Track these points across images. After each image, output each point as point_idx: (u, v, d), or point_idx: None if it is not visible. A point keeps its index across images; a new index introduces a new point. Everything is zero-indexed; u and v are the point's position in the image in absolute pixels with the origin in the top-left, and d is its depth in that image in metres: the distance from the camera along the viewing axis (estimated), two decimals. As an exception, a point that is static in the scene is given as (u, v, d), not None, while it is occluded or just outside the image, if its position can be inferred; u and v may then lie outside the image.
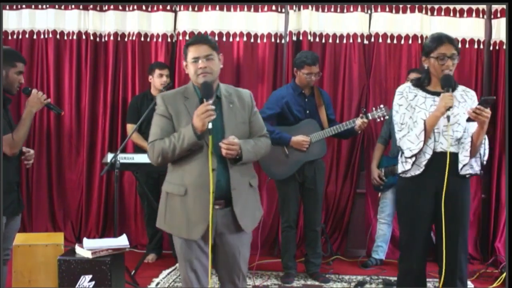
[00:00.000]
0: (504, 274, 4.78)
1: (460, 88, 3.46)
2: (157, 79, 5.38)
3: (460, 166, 3.33)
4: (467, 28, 5.71)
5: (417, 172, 3.36)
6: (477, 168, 3.37)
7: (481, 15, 5.71)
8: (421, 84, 3.43)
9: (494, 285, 4.85)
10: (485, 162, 3.38)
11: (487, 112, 3.14)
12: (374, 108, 4.89)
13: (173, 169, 3.07)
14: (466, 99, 3.41)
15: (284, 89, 5.08)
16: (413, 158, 3.33)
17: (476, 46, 5.71)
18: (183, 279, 3.09)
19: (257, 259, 5.22)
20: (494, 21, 5.71)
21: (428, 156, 3.32)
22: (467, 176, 3.39)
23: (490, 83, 5.77)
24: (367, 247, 5.69)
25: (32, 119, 3.53)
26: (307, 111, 4.96)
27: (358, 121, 4.80)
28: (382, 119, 4.93)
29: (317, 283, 4.90)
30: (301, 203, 5.10)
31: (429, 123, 3.28)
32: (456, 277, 3.36)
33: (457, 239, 3.36)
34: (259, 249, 5.33)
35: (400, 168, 3.44)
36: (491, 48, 5.73)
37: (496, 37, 5.68)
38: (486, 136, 3.31)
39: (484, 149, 3.33)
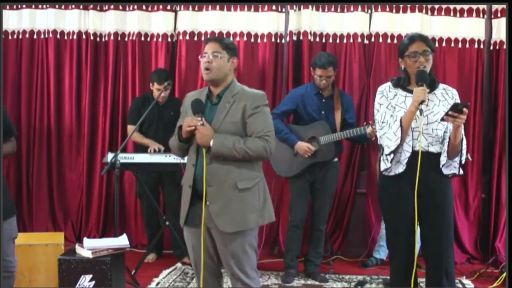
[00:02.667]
0: (504, 274, 4.77)
1: (441, 86, 3.47)
2: (156, 92, 5.30)
3: (440, 165, 3.35)
4: (467, 28, 5.71)
5: (400, 170, 3.37)
6: (456, 168, 3.38)
7: (481, 15, 5.71)
8: (402, 84, 3.45)
9: (494, 285, 4.86)
10: (463, 162, 3.39)
11: (462, 117, 3.15)
12: None
13: None
14: (446, 97, 3.42)
15: (303, 87, 5.10)
16: (391, 156, 3.35)
17: (476, 46, 5.71)
18: None
19: (256, 259, 5.24)
20: (494, 21, 5.71)
21: (408, 154, 3.34)
22: (449, 176, 3.41)
23: (490, 83, 5.77)
24: (368, 247, 5.69)
25: None
26: (323, 112, 4.95)
27: (369, 129, 4.77)
28: None
29: (316, 282, 4.91)
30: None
31: (405, 119, 3.29)
32: (441, 275, 3.37)
33: (440, 238, 3.38)
34: (260, 249, 5.35)
35: (382, 166, 3.45)
36: (491, 48, 5.73)
37: (496, 37, 5.68)
38: (464, 137, 3.32)
39: (462, 149, 3.33)
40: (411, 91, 3.39)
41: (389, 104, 3.42)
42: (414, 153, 3.31)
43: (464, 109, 3.14)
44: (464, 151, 3.35)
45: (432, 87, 3.40)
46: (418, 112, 3.24)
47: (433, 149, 3.35)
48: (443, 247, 3.38)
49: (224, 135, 3.03)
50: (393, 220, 3.46)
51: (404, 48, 3.40)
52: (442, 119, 3.22)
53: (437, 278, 3.39)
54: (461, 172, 3.42)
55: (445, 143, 3.32)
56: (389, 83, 3.52)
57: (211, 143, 2.99)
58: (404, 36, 5.60)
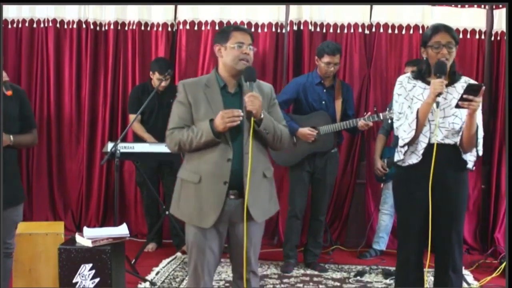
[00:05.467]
0: (503, 265, 4.79)
1: (463, 79, 3.39)
2: (156, 82, 5.29)
3: (465, 159, 3.32)
4: (468, 18, 5.69)
5: (415, 161, 3.33)
6: (471, 163, 3.34)
7: (482, 5, 5.69)
8: (422, 75, 3.39)
9: (493, 275, 4.85)
10: (480, 153, 3.32)
11: (477, 100, 3.08)
12: (388, 109, 4.78)
13: (190, 156, 3.06)
14: None
15: (305, 77, 5.09)
16: (406, 148, 3.32)
17: (477, 37, 5.69)
18: (193, 267, 3.07)
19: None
20: (495, 11, 5.68)
21: (424, 145, 3.29)
22: (465, 168, 3.36)
23: (491, 74, 5.76)
24: (366, 237, 5.70)
25: None
26: (323, 101, 4.94)
27: (360, 122, 4.77)
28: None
29: (316, 272, 4.92)
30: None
31: (421, 111, 3.24)
32: (448, 267, 3.36)
33: (451, 230, 3.36)
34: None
35: (396, 157, 3.43)
36: (492, 38, 5.71)
37: (497, 27, 5.66)
38: (479, 126, 3.24)
39: (477, 140, 3.26)
40: (430, 83, 3.32)
41: (407, 95, 3.37)
42: (430, 145, 3.26)
43: (481, 91, 3.07)
44: (480, 142, 3.27)
45: (452, 80, 3.33)
46: (434, 105, 3.18)
47: (450, 141, 3.29)
48: (452, 242, 3.36)
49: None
50: (405, 212, 3.44)
51: (427, 38, 3.31)
52: (457, 106, 3.14)
53: (444, 273, 3.38)
54: (473, 167, 3.38)
55: (459, 136, 3.26)
56: (408, 74, 3.46)
57: (262, 115, 2.94)
58: (405, 27, 5.67)
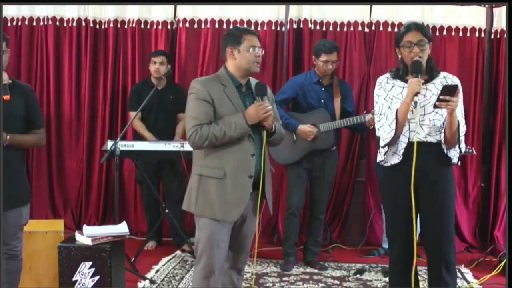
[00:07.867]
0: (503, 263, 4.79)
1: (442, 74, 3.41)
2: (152, 66, 5.37)
3: (449, 155, 3.33)
4: (468, 16, 5.69)
5: (396, 161, 3.34)
6: (455, 158, 3.35)
7: (482, 3, 5.68)
8: (400, 75, 3.42)
9: (493, 273, 4.85)
10: (463, 150, 3.34)
11: (454, 100, 3.11)
12: None
13: (209, 153, 3.10)
14: None
15: (303, 75, 5.10)
16: (386, 148, 3.34)
17: (477, 35, 5.69)
18: (204, 262, 3.11)
19: (256, 246, 5.25)
20: (495, 10, 5.68)
21: (404, 145, 3.30)
22: (449, 164, 3.37)
23: (491, 72, 5.76)
24: (367, 235, 5.70)
25: None
26: (322, 100, 4.96)
27: (368, 117, 4.78)
28: None
29: (316, 270, 4.92)
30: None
31: (400, 111, 3.26)
32: (441, 267, 3.34)
33: (440, 230, 3.35)
34: (258, 237, 5.36)
35: (378, 158, 3.44)
36: (492, 36, 5.71)
37: (497, 26, 5.66)
38: (460, 123, 3.25)
39: (459, 137, 3.28)
40: (408, 82, 3.34)
41: (387, 96, 3.38)
42: (410, 144, 3.26)
43: (457, 91, 3.10)
44: (462, 139, 3.29)
45: (430, 77, 3.36)
46: (413, 104, 3.19)
47: (432, 139, 3.30)
48: (442, 240, 3.35)
49: None
50: (392, 211, 3.45)
51: (400, 38, 3.35)
52: (435, 106, 3.17)
53: (437, 271, 3.37)
54: (459, 162, 3.39)
55: (442, 133, 3.28)
56: (387, 74, 3.48)
57: (274, 127, 3.16)
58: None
